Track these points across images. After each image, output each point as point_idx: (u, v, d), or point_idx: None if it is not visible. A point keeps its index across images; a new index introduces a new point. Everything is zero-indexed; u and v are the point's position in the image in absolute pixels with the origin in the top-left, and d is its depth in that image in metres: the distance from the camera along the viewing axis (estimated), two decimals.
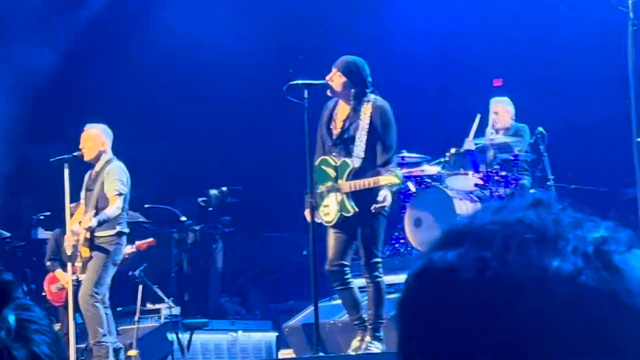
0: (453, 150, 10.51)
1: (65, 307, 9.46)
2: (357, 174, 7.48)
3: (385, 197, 7.35)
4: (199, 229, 13.27)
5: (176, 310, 10.97)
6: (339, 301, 8.16)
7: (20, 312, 1.20)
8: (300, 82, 7.55)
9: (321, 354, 7.65)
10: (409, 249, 10.61)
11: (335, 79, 7.54)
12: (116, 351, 9.13)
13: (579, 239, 0.96)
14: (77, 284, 9.09)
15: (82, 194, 9.35)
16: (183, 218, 12.75)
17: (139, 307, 10.38)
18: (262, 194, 14.25)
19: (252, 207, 14.24)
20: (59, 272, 10.30)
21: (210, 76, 13.96)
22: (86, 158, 9.27)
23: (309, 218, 7.60)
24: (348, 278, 7.58)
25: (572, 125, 12.72)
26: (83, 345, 9.71)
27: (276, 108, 11.13)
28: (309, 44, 14.39)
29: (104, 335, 8.94)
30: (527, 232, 0.96)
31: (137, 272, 10.35)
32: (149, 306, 11.02)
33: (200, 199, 13.83)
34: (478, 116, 10.70)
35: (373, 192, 7.39)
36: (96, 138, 9.27)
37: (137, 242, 10.40)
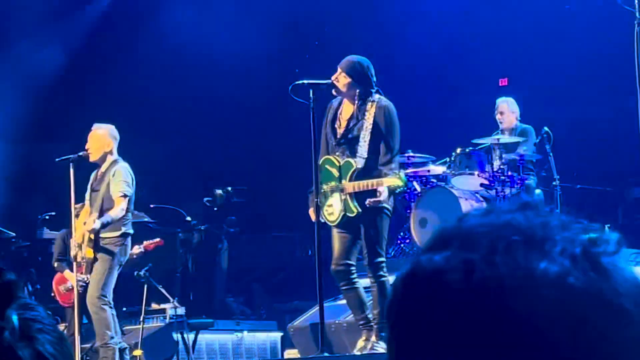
0: (459, 150, 10.51)
1: (75, 307, 9.46)
2: (360, 175, 7.47)
3: (381, 193, 7.35)
4: (204, 229, 13.27)
5: (181, 310, 10.97)
6: (344, 301, 8.16)
7: (24, 312, 1.20)
8: (305, 82, 7.55)
9: (326, 354, 7.64)
10: (414, 249, 10.61)
11: (341, 79, 7.54)
12: (121, 351, 9.14)
13: (566, 240, 0.96)
14: (84, 285, 9.10)
15: (87, 194, 9.36)
16: (188, 218, 12.76)
17: (144, 307, 10.38)
18: (268, 193, 14.26)
19: (258, 207, 14.25)
20: (67, 272, 10.28)
21: (215, 76, 13.97)
22: (92, 159, 9.27)
23: (313, 217, 7.60)
24: (354, 278, 7.58)
25: (578, 125, 12.71)
26: (88, 346, 9.72)
27: (281, 108, 11.14)
28: (315, 44, 14.40)
29: (112, 337, 8.95)
30: (514, 235, 0.96)
31: (142, 272, 10.35)
32: (154, 306, 11.02)
33: (205, 199, 13.84)
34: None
35: (376, 192, 7.38)
36: (102, 139, 9.27)
37: (145, 243, 10.39)
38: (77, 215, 9.32)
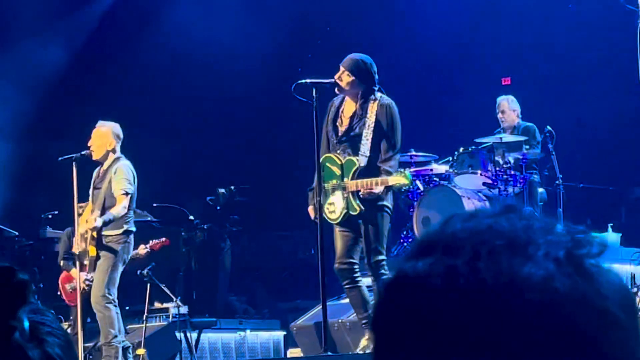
0: (461, 149, 10.51)
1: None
2: (363, 173, 7.47)
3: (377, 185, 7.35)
4: (207, 228, 13.28)
5: (184, 309, 10.97)
6: (347, 300, 8.16)
7: (34, 315, 1.22)
8: (308, 81, 7.55)
9: (329, 353, 7.64)
10: None
11: (344, 78, 7.53)
12: (124, 350, 9.14)
13: (550, 244, 0.95)
14: (90, 283, 9.10)
15: (90, 191, 9.36)
16: (191, 217, 12.77)
17: (147, 305, 10.39)
18: (270, 192, 14.26)
19: (261, 206, 14.25)
20: (74, 270, 10.27)
21: (218, 75, 13.98)
22: (94, 157, 9.27)
23: (312, 215, 7.60)
24: (357, 276, 7.58)
25: (581, 124, 12.71)
26: (91, 344, 9.73)
27: (285, 107, 11.14)
28: (317, 43, 14.41)
29: (115, 336, 8.95)
30: (497, 239, 0.95)
31: (145, 271, 10.35)
32: (157, 305, 11.03)
33: (208, 198, 13.85)
34: None
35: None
36: (105, 137, 9.27)
37: (151, 242, 10.36)
38: (80, 214, 9.32)
